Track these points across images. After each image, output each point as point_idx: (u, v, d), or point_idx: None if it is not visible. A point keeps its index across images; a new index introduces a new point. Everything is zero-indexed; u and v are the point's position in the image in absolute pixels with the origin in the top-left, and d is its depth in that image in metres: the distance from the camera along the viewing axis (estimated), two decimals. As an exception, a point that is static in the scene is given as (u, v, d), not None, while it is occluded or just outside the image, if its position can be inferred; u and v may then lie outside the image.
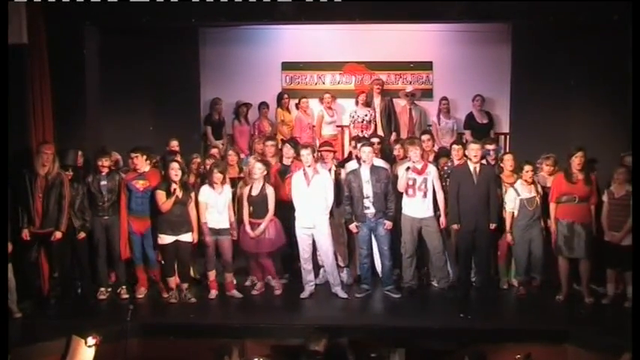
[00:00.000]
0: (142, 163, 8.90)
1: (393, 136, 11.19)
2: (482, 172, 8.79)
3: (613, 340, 7.25)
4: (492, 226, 8.80)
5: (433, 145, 9.99)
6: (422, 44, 12.21)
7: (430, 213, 8.93)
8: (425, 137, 9.77)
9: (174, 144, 9.96)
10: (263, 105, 11.89)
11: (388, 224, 8.85)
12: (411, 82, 12.27)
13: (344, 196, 8.92)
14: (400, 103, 11.89)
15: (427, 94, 12.27)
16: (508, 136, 11.74)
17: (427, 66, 12.31)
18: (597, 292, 8.69)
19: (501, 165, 9.16)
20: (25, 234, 8.31)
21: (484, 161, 9.08)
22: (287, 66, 12.43)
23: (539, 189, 8.82)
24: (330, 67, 12.47)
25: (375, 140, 9.81)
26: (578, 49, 10.55)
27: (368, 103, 11.77)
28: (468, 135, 11.42)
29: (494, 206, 8.79)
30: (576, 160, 8.49)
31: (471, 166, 8.80)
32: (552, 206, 8.67)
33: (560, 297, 8.69)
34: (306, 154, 8.78)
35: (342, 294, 8.93)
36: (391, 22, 10.94)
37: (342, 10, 9.56)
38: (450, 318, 8.31)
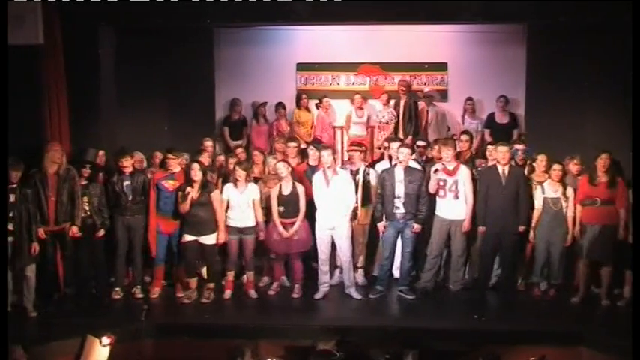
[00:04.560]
0: (175, 164, 8.94)
1: (409, 140, 11.17)
2: (511, 174, 8.74)
3: (628, 343, 7.20)
4: (521, 228, 8.75)
5: (470, 146, 9.95)
6: (437, 45, 12.17)
7: (462, 215, 8.86)
8: (464, 137, 9.81)
9: (209, 144, 9.97)
10: (279, 105, 11.88)
11: (417, 227, 8.82)
12: (425, 83, 12.25)
13: (377, 194, 8.91)
14: (420, 104, 11.87)
15: (442, 95, 12.25)
16: (523, 137, 11.66)
17: (442, 67, 12.28)
18: (613, 294, 8.64)
19: (533, 165, 9.13)
20: (41, 233, 8.34)
21: (513, 162, 9.06)
22: (302, 67, 12.43)
23: (569, 192, 8.75)
24: (345, 68, 12.46)
25: (422, 144, 9.82)
26: (592, 50, 10.49)
27: (394, 104, 11.76)
28: (486, 135, 11.40)
29: (523, 209, 8.73)
30: (600, 162, 8.45)
31: (500, 168, 8.75)
32: (578, 209, 8.64)
33: (576, 299, 8.65)
34: (326, 155, 8.76)
35: (356, 295, 8.92)
36: (406, 23, 10.92)
37: (356, 10, 9.57)
38: (464, 319, 8.29)
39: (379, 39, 11.97)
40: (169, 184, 8.88)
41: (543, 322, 8.29)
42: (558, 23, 9.97)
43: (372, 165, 9.66)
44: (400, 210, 8.79)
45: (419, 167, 9.21)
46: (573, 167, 8.92)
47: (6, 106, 7.88)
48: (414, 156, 9.30)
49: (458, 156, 9.13)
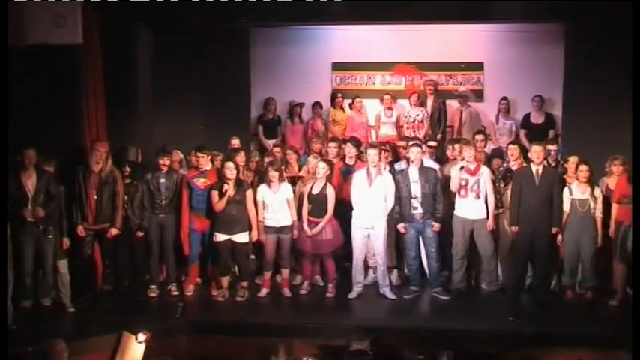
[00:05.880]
0: (206, 162, 9.00)
1: (438, 138, 11.18)
2: (545, 175, 8.66)
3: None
4: (554, 230, 8.65)
5: (485, 146, 9.89)
6: (473, 45, 12.11)
7: (483, 215, 8.83)
8: (478, 137, 9.74)
9: (236, 142, 10.01)
10: (316, 105, 11.93)
11: (436, 226, 8.80)
12: (461, 83, 12.19)
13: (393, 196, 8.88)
14: (453, 105, 11.83)
15: (478, 94, 12.18)
16: (560, 137, 11.56)
17: (478, 67, 12.20)
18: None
19: (565, 166, 9.05)
20: (81, 230, 8.49)
21: (546, 162, 8.98)
22: (337, 66, 12.43)
23: (597, 192, 8.65)
24: (381, 68, 12.43)
25: (433, 144, 9.78)
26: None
27: (421, 103, 11.73)
28: (521, 135, 11.32)
29: (557, 209, 8.64)
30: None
31: (534, 168, 8.68)
32: (614, 207, 8.53)
33: (614, 302, 8.52)
34: (373, 154, 8.72)
35: (391, 295, 8.90)
36: (442, 23, 10.88)
37: (392, 10, 9.55)
38: (498, 321, 8.25)
39: (415, 38, 11.91)
40: (200, 183, 8.94)
41: (580, 324, 8.22)
42: (597, 22, 9.86)
43: (391, 165, 9.61)
44: (418, 210, 8.77)
45: (434, 166, 9.20)
46: (614, 167, 8.79)
47: (6, 106, 7.84)
48: (427, 155, 9.28)
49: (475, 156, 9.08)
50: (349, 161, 9.36)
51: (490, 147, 10.88)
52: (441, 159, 9.82)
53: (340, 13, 9.67)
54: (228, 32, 11.32)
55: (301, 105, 12.00)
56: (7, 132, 7.61)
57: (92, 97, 9.39)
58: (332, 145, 9.63)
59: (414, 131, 11.41)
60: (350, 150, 9.35)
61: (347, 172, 9.18)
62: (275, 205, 8.85)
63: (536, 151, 8.70)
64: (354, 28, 11.63)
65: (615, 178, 8.76)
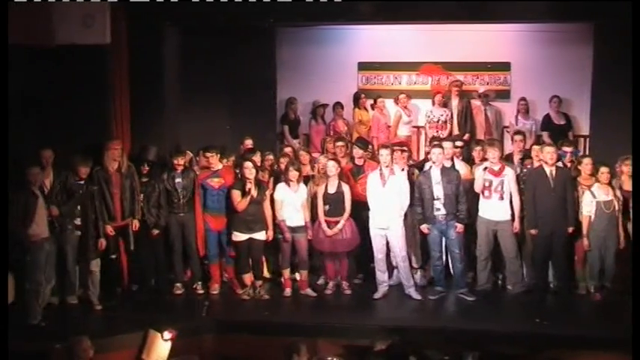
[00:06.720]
0: (216, 162, 9.02)
1: (466, 137, 11.11)
2: (559, 175, 8.63)
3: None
4: (570, 229, 8.62)
5: (524, 147, 9.83)
6: (500, 45, 12.05)
7: (507, 216, 8.80)
8: (518, 137, 9.72)
9: (249, 142, 10.05)
10: (338, 105, 11.88)
11: (459, 227, 8.75)
12: (488, 83, 12.11)
13: (415, 197, 8.86)
14: (476, 104, 11.76)
15: (504, 95, 12.10)
16: (588, 139, 11.47)
17: (505, 67, 12.13)
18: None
19: (579, 168, 8.97)
20: (110, 230, 8.56)
21: (559, 163, 8.93)
22: (363, 66, 12.42)
23: (618, 193, 8.59)
24: (407, 68, 12.40)
25: (460, 143, 9.75)
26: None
27: (444, 104, 11.67)
28: (545, 136, 11.21)
29: (571, 209, 8.61)
30: None
31: (547, 169, 8.64)
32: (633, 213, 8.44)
33: (641, 304, 8.45)
34: (385, 154, 8.72)
35: (416, 295, 8.88)
36: (469, 23, 10.83)
37: (418, 10, 9.52)
38: (524, 323, 8.19)
39: (441, 38, 11.89)
40: (215, 182, 8.97)
41: (607, 327, 8.12)
42: (626, 22, 9.75)
43: (419, 166, 9.56)
44: (441, 211, 8.73)
45: (463, 167, 9.17)
46: (625, 167, 8.70)
47: (6, 106, 7.81)
48: (446, 155, 9.19)
49: (510, 156, 8.99)
50: (358, 162, 9.36)
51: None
52: (467, 159, 9.76)
53: (366, 12, 9.65)
54: (255, 32, 11.33)
55: (324, 106, 11.99)
56: (7, 132, 7.64)
57: (119, 96, 9.46)
58: (339, 144, 9.63)
59: (437, 131, 11.39)
60: (357, 151, 9.37)
61: (357, 172, 9.21)
62: (297, 205, 8.88)
63: (549, 152, 8.69)
64: (380, 27, 11.64)
65: (627, 178, 8.67)
